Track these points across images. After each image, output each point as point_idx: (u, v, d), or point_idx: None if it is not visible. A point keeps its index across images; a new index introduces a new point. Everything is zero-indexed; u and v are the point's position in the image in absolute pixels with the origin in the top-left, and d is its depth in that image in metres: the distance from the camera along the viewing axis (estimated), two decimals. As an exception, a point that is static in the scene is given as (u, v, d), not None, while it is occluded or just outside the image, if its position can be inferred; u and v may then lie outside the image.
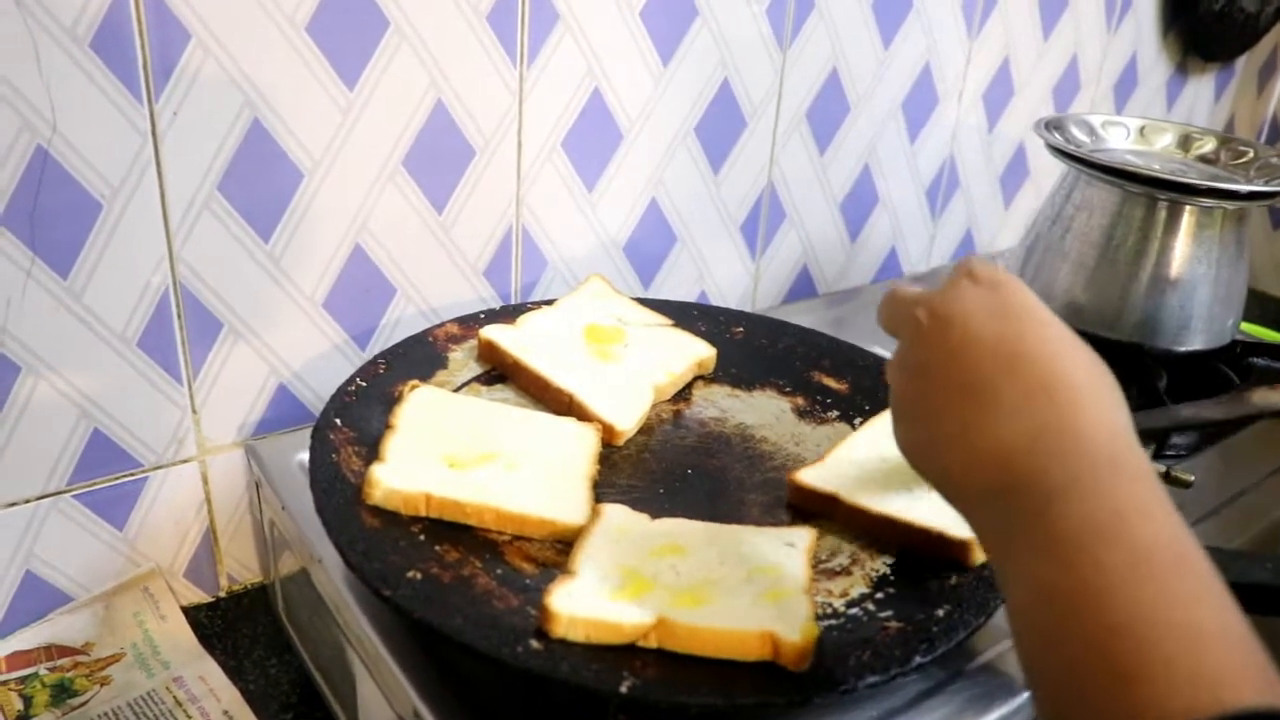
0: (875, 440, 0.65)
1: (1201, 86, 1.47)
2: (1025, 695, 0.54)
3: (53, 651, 0.72)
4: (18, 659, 0.71)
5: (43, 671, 0.70)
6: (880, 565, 0.57)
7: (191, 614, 0.76)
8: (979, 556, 0.56)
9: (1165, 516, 0.39)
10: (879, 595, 0.54)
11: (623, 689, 0.44)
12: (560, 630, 0.47)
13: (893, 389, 0.48)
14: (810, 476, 0.62)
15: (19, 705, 0.68)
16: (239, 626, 0.77)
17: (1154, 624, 0.35)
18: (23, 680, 0.69)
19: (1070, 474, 0.39)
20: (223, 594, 0.80)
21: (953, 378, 0.43)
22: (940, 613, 0.51)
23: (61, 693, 0.69)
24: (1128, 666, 0.34)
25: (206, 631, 0.75)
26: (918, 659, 0.47)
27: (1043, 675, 0.38)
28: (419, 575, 0.50)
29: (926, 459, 0.46)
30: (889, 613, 0.52)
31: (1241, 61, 1.50)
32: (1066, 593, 0.37)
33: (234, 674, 0.71)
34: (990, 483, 0.41)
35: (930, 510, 0.58)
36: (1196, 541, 0.38)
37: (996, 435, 0.41)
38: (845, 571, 0.56)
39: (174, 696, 0.69)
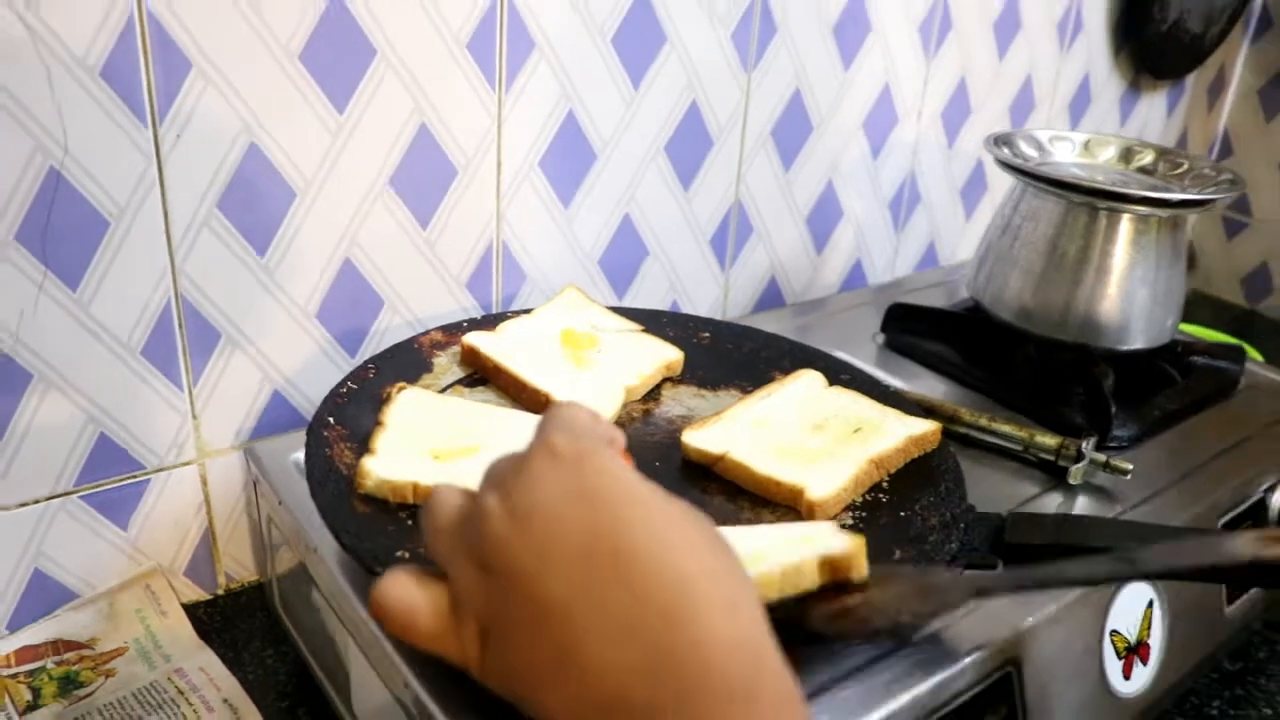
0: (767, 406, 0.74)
1: (1154, 103, 1.53)
2: (966, 661, 0.59)
3: (59, 646, 0.76)
4: (26, 653, 0.75)
5: (50, 665, 0.74)
6: (832, 544, 0.62)
7: (191, 610, 0.79)
8: (821, 515, 0.64)
9: None
10: (829, 569, 0.59)
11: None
12: None
13: (463, 595, 0.38)
14: (699, 439, 0.69)
15: (28, 696, 0.72)
16: (236, 622, 0.81)
17: None
18: (31, 673, 0.73)
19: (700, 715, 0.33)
20: (220, 592, 0.84)
21: (542, 588, 0.35)
22: (885, 583, 0.56)
23: (68, 684, 0.73)
24: None
25: (205, 627, 0.79)
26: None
27: None
28: (407, 554, 0.55)
29: (522, 688, 0.37)
30: (839, 584, 0.57)
31: (1191, 79, 1.56)
32: None
33: (233, 665, 0.75)
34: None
35: (794, 470, 0.66)
36: None
37: (605, 677, 0.34)
38: (800, 550, 0.61)
39: (176, 686, 0.73)
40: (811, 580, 0.51)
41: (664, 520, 0.36)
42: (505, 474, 0.38)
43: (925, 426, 0.70)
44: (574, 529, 0.35)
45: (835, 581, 0.51)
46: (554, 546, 0.35)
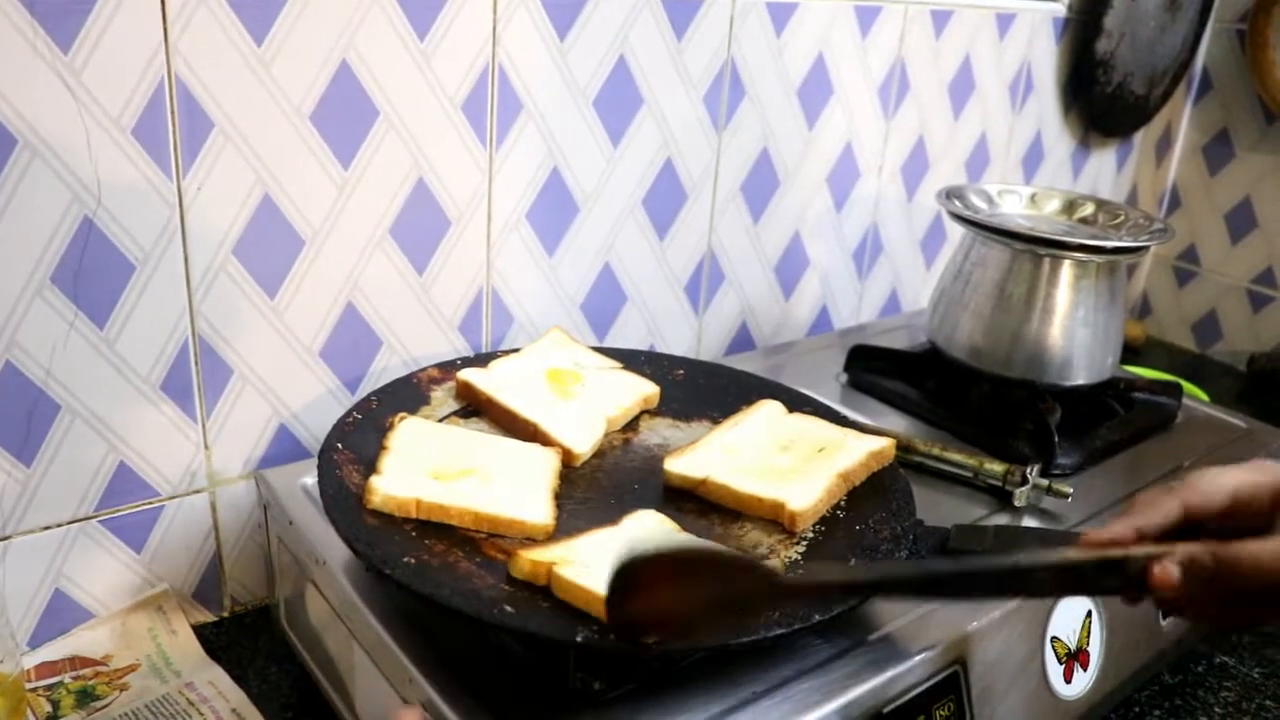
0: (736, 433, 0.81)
1: (1104, 159, 1.62)
2: (916, 660, 0.65)
3: (75, 662, 0.81)
4: (45, 669, 0.80)
5: (67, 680, 0.79)
6: (793, 553, 0.68)
7: (198, 631, 0.85)
8: (801, 523, 0.70)
9: None
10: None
11: (578, 638, 0.55)
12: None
13: None
14: (680, 466, 0.76)
15: (48, 708, 0.77)
16: (242, 641, 0.86)
17: None
18: (50, 688, 0.78)
19: None
20: (226, 614, 0.89)
21: None
22: (839, 585, 0.63)
23: (85, 697, 0.78)
24: None
25: (212, 646, 0.84)
26: (817, 617, 0.59)
27: None
28: (413, 560, 0.61)
29: None
30: (798, 586, 0.63)
31: (1139, 136, 1.66)
32: None
33: (239, 681, 0.80)
34: None
35: (772, 487, 0.72)
36: None
37: None
38: (764, 558, 0.67)
39: (187, 698, 0.79)
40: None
41: None
42: None
43: (882, 443, 0.77)
44: None
45: None
46: None
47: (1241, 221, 1.62)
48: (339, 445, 0.72)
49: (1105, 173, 1.64)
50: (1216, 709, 0.86)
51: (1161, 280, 1.74)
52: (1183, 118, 1.66)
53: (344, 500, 0.66)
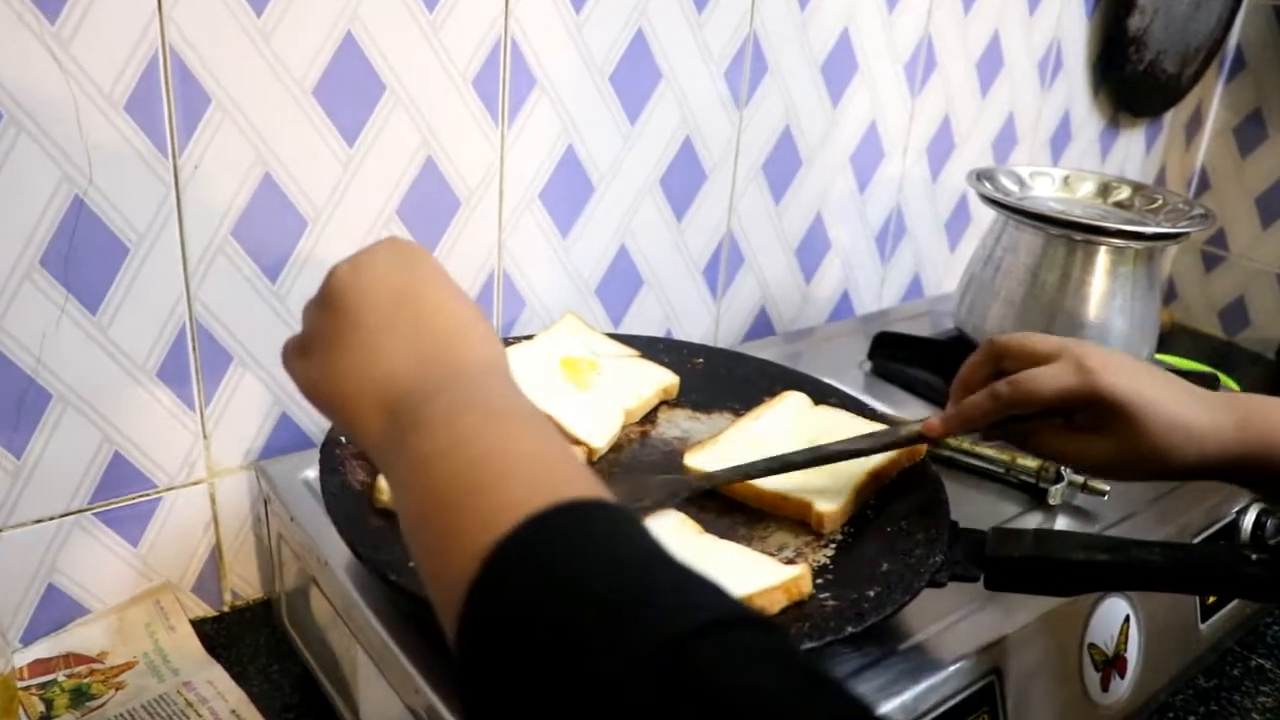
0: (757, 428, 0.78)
1: (1133, 140, 1.58)
2: (951, 670, 0.62)
3: (70, 660, 0.78)
4: (38, 666, 0.77)
5: (61, 678, 0.76)
6: (822, 557, 0.65)
7: (197, 626, 0.82)
8: (830, 524, 0.68)
9: (520, 406, 0.46)
10: (819, 580, 0.62)
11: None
12: None
13: (304, 326, 0.53)
14: (701, 461, 0.73)
15: (41, 708, 0.74)
16: (242, 637, 0.83)
17: (506, 453, 0.42)
18: (43, 686, 0.75)
19: (447, 385, 0.46)
20: (226, 609, 0.86)
21: (355, 315, 0.49)
22: (871, 593, 0.59)
23: (80, 696, 0.75)
24: (485, 480, 0.40)
25: (212, 642, 0.81)
26: (849, 629, 0.55)
27: (422, 525, 0.42)
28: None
29: (324, 386, 0.50)
30: (827, 594, 0.60)
31: (1169, 116, 1.61)
32: (441, 450, 0.43)
33: (239, 679, 0.77)
34: (380, 399, 0.47)
35: (798, 486, 0.70)
36: (545, 420, 0.46)
37: (389, 363, 0.48)
38: (791, 562, 0.64)
39: (185, 698, 0.76)
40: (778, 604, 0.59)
41: (453, 295, 0.51)
42: (357, 252, 0.52)
43: (911, 439, 0.74)
44: (391, 283, 0.50)
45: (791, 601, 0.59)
46: (374, 291, 0.49)
47: (1273, 205, 1.57)
48: (342, 439, 0.69)
49: (1134, 153, 1.59)
50: (1254, 714, 0.83)
51: (1188, 265, 1.69)
52: (1214, 97, 1.61)
53: (346, 500, 0.63)
